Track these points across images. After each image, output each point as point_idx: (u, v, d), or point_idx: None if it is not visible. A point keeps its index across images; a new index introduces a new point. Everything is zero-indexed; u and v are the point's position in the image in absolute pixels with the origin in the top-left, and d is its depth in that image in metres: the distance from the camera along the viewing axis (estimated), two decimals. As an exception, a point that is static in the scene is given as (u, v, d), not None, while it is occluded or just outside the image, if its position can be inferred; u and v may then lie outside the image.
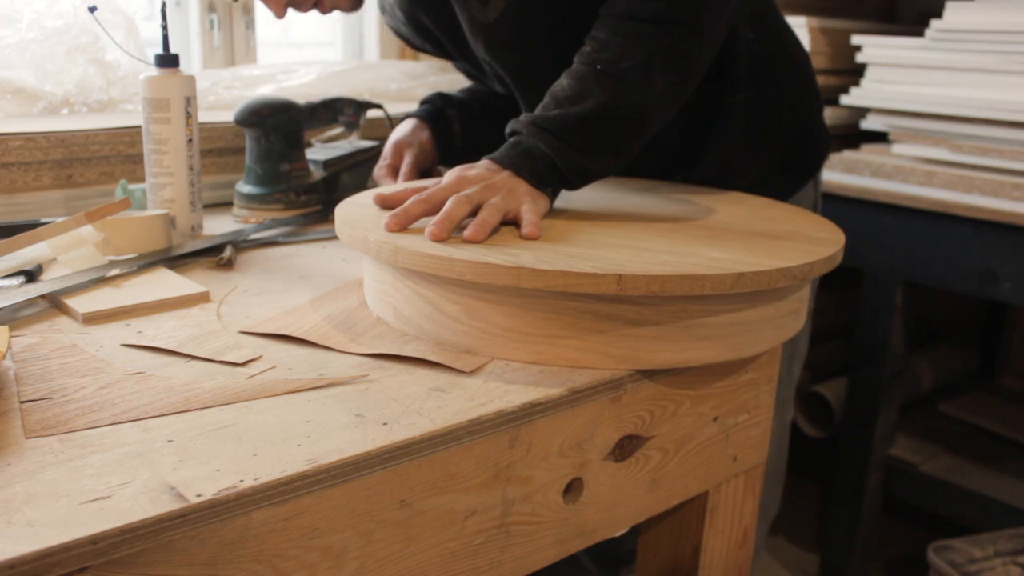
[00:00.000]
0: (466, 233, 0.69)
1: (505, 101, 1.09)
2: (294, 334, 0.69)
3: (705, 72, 0.85)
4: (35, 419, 0.54)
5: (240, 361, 0.64)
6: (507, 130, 0.81)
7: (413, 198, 0.74)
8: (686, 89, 0.83)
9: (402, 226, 0.71)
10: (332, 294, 0.80)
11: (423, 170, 1.06)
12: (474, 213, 0.73)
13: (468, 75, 1.16)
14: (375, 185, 1.07)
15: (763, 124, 0.98)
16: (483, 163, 0.79)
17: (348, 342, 0.68)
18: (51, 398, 0.57)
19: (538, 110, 0.80)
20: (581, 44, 0.82)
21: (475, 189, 0.74)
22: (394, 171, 1.04)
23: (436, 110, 1.09)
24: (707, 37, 0.81)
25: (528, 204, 0.75)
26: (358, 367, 0.64)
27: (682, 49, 0.79)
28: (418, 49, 1.15)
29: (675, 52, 0.79)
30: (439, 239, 0.68)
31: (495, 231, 0.72)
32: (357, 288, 0.81)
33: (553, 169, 0.78)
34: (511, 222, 0.75)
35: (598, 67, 0.78)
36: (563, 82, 0.80)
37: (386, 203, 0.78)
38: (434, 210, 0.73)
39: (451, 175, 0.78)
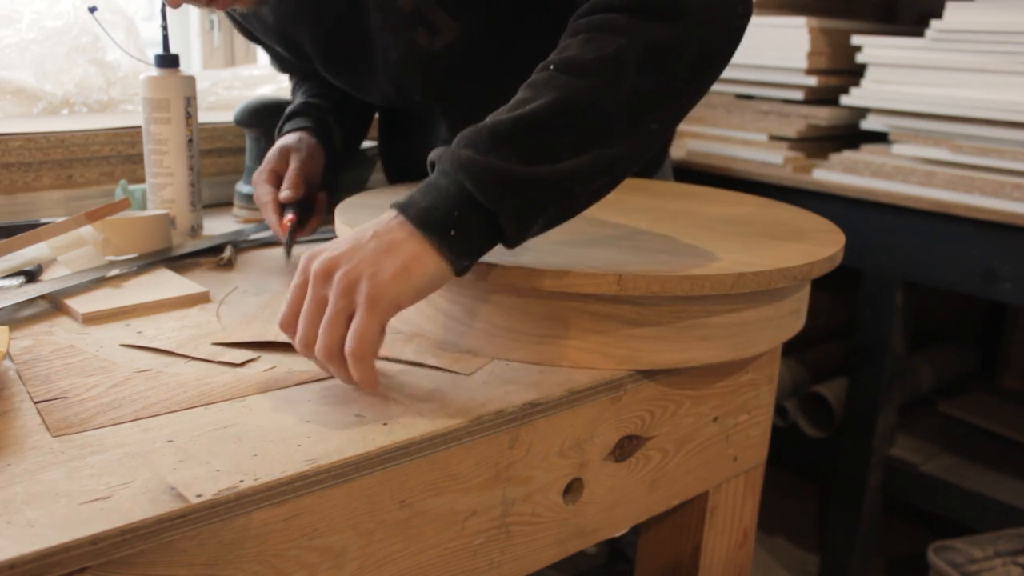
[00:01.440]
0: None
1: (360, 102, 1.02)
2: (274, 339, 0.67)
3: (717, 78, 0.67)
4: (56, 418, 0.54)
5: (238, 361, 0.64)
6: (428, 158, 0.62)
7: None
8: (679, 100, 0.64)
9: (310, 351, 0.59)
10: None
11: (309, 177, 0.93)
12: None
13: (301, 80, 1.08)
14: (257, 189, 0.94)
15: None
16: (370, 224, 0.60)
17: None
18: (66, 397, 0.57)
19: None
20: (526, 73, 0.64)
21: (309, 302, 0.58)
22: (276, 176, 0.92)
23: (318, 120, 0.99)
24: (711, 34, 0.63)
25: (371, 295, 0.55)
26: (358, 367, 0.64)
27: (670, 45, 0.61)
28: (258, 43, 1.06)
29: (654, 45, 0.61)
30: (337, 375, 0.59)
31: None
32: None
33: (463, 192, 0.57)
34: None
35: (551, 67, 0.61)
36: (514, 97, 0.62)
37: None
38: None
39: (295, 277, 0.60)
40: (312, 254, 0.59)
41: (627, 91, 0.60)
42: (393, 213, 0.58)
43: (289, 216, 0.90)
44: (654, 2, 0.62)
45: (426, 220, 0.57)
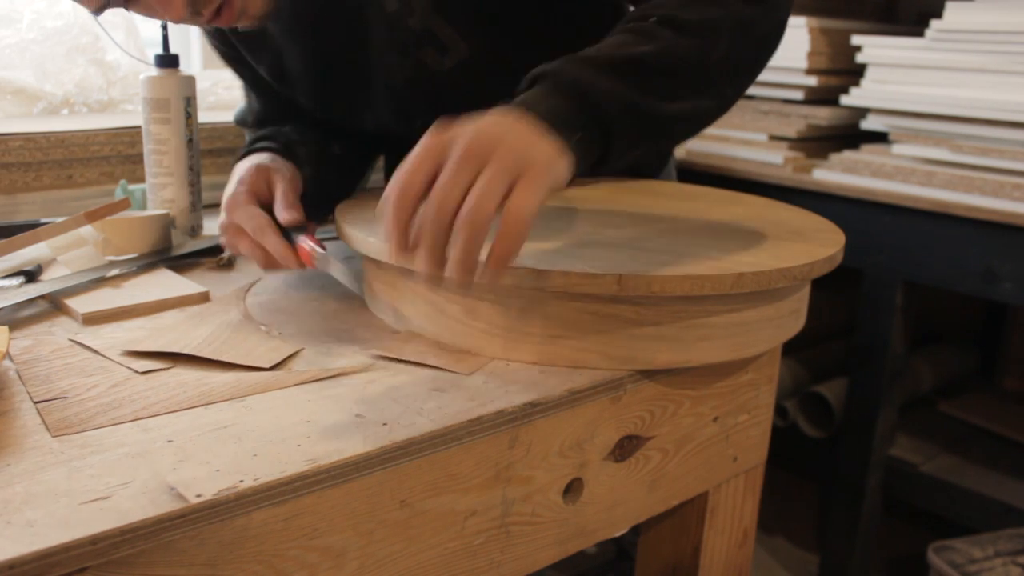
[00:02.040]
0: (450, 270, 0.55)
1: (338, 156, 0.92)
2: (183, 351, 0.64)
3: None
4: (56, 418, 0.54)
5: (237, 362, 0.64)
6: (532, 73, 0.63)
7: (389, 206, 0.56)
8: (750, 74, 0.71)
9: (405, 249, 0.56)
10: (206, 310, 0.75)
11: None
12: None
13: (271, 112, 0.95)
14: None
15: None
16: (474, 117, 0.58)
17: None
18: (66, 397, 0.57)
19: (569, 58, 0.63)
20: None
21: (450, 174, 0.54)
22: (256, 199, 0.77)
23: (285, 147, 0.86)
24: (781, 14, 0.71)
25: (537, 165, 0.55)
26: (361, 367, 0.64)
27: (755, 21, 0.68)
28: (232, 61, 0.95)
29: (749, 17, 0.67)
30: (434, 278, 0.55)
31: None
32: (236, 301, 0.77)
33: (586, 107, 0.60)
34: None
35: (653, 19, 0.65)
36: (603, 41, 0.65)
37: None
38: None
39: (425, 138, 0.56)
40: (443, 127, 0.56)
41: (719, 55, 0.66)
42: (507, 112, 0.57)
43: (304, 238, 0.75)
44: None
45: (558, 122, 0.58)
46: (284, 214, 0.75)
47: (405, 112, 0.87)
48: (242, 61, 0.94)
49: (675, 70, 0.64)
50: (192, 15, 0.70)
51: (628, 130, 0.62)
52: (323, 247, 0.74)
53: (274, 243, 0.74)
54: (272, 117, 0.96)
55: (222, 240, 0.79)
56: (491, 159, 0.54)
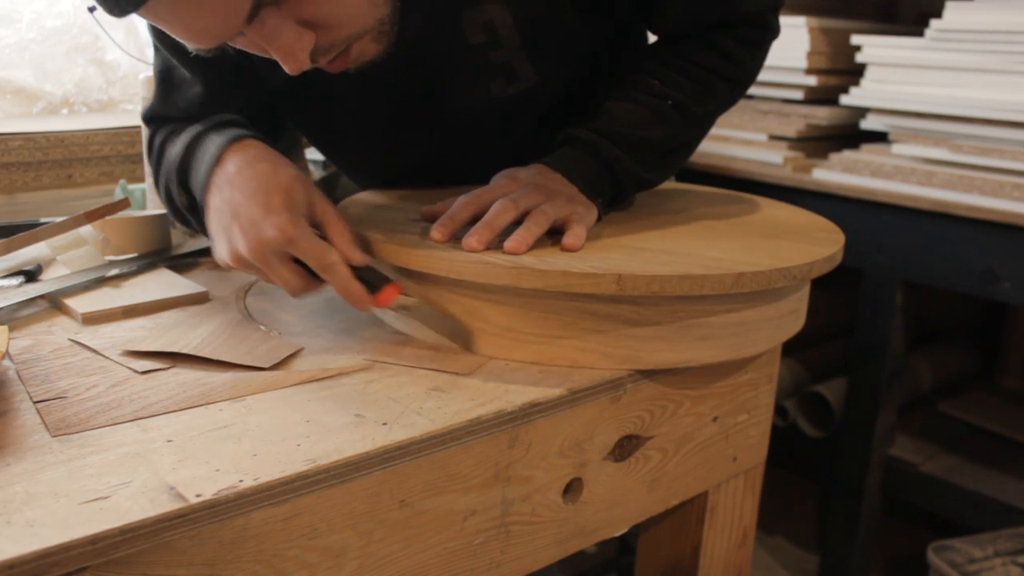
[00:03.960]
0: (507, 244, 0.65)
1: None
2: (183, 350, 0.64)
3: None
4: (56, 418, 0.54)
5: (237, 362, 0.64)
6: (560, 136, 0.79)
7: (461, 199, 0.70)
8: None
9: (450, 234, 0.67)
10: (204, 310, 0.74)
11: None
12: (519, 220, 0.68)
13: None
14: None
15: None
16: (533, 166, 0.75)
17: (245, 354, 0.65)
18: (65, 397, 0.57)
19: (593, 124, 0.78)
20: (564, 121, 0.82)
21: (522, 192, 0.70)
22: (304, 217, 0.67)
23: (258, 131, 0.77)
24: (751, 82, 0.88)
25: (580, 212, 0.71)
26: (361, 367, 0.64)
27: (733, 102, 0.87)
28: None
29: (729, 105, 0.86)
30: (474, 249, 0.64)
31: (539, 242, 0.67)
32: (236, 301, 0.77)
33: (610, 178, 0.77)
34: (556, 230, 0.69)
35: (669, 102, 0.80)
36: (626, 106, 0.79)
37: (433, 214, 0.72)
38: (481, 213, 0.68)
39: (499, 177, 0.74)
40: (512, 174, 0.74)
41: (708, 128, 0.86)
42: (553, 171, 0.74)
43: (389, 287, 0.67)
44: (740, 79, 0.84)
45: (592, 185, 0.75)
46: (354, 255, 0.67)
47: (442, 129, 0.85)
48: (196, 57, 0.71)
49: (675, 151, 0.83)
50: (311, 62, 0.65)
51: (631, 194, 0.82)
52: (404, 292, 0.68)
53: (352, 287, 0.66)
54: (214, 106, 0.83)
55: (230, 260, 0.68)
56: (550, 199, 0.70)
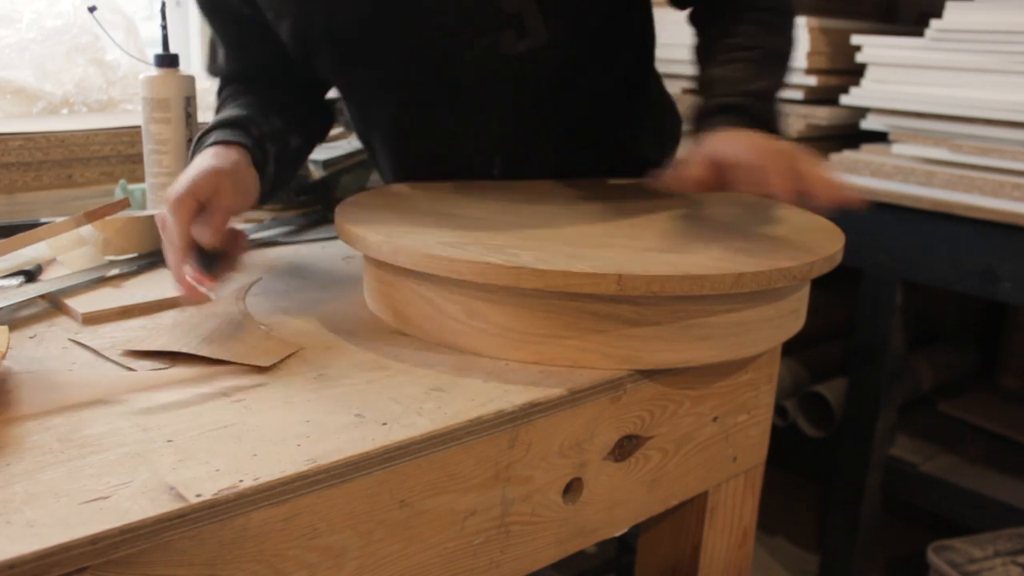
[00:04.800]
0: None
1: (294, 150, 0.92)
2: (183, 350, 0.65)
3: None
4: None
5: (236, 361, 0.64)
6: (717, 102, 0.83)
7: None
8: None
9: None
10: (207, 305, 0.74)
11: (236, 212, 0.75)
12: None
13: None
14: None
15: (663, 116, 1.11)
16: (745, 132, 0.78)
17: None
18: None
19: (723, 86, 0.83)
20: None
21: (783, 156, 0.73)
22: (195, 203, 0.70)
23: (256, 142, 0.82)
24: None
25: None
26: (361, 367, 0.64)
27: (794, 35, 0.93)
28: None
29: (793, 38, 0.93)
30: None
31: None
32: (236, 301, 0.76)
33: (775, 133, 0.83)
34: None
35: (760, 52, 0.87)
36: (735, 67, 0.85)
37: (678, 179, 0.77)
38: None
39: (753, 148, 0.74)
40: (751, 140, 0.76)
41: (791, 65, 0.93)
42: (731, 123, 0.80)
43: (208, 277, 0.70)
44: (790, 9, 0.93)
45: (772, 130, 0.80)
46: (204, 235, 0.70)
47: (452, 87, 0.87)
48: (237, 18, 0.89)
49: (780, 93, 0.89)
50: None
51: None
52: (207, 279, 0.70)
53: (170, 257, 0.71)
54: (238, 79, 0.94)
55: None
56: (806, 159, 0.74)
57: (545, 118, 0.91)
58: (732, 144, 0.75)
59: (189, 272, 0.69)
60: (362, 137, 1.05)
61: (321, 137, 1.02)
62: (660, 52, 1.05)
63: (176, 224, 0.70)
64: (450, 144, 0.94)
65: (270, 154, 0.83)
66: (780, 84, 0.89)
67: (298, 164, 0.96)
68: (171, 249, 0.70)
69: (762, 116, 0.83)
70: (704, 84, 0.87)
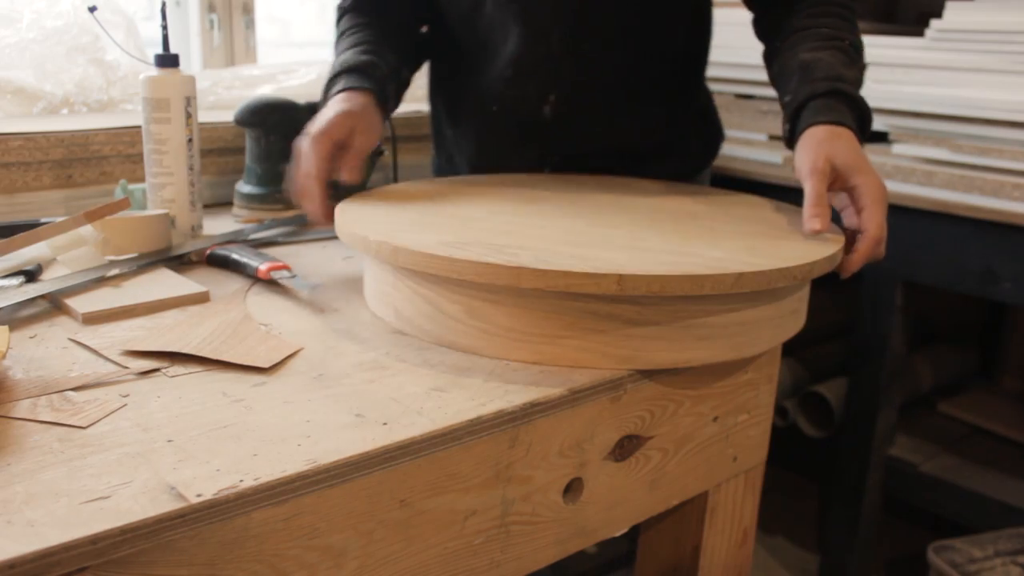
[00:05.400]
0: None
1: (406, 82, 1.04)
2: (183, 350, 0.65)
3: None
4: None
5: (236, 362, 0.64)
6: (823, 88, 0.85)
7: (817, 192, 0.78)
8: None
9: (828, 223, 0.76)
10: (211, 307, 0.75)
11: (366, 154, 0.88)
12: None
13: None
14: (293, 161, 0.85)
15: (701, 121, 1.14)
16: (842, 135, 0.82)
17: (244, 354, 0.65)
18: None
19: (823, 70, 0.86)
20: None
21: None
22: (332, 145, 0.83)
23: (380, 86, 0.93)
24: None
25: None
26: (361, 367, 0.64)
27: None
28: None
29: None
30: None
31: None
32: (236, 301, 0.77)
33: (862, 122, 0.86)
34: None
35: (847, 42, 0.90)
36: (829, 54, 0.88)
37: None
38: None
39: (882, 218, 0.79)
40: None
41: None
42: (840, 132, 0.83)
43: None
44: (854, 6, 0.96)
45: (861, 133, 0.86)
46: (344, 174, 0.84)
47: (538, 20, 0.96)
48: None
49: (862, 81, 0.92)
50: None
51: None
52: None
53: (310, 191, 0.82)
54: (357, 7, 1.05)
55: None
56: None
57: (600, 65, 0.98)
58: (874, 201, 0.79)
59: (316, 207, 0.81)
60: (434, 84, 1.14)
61: (418, 68, 1.12)
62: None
63: (315, 158, 0.81)
64: (515, 69, 0.99)
65: (390, 93, 0.95)
66: (863, 78, 0.91)
67: (405, 91, 1.07)
68: (308, 179, 0.82)
69: (860, 105, 0.85)
70: (800, 67, 0.88)
